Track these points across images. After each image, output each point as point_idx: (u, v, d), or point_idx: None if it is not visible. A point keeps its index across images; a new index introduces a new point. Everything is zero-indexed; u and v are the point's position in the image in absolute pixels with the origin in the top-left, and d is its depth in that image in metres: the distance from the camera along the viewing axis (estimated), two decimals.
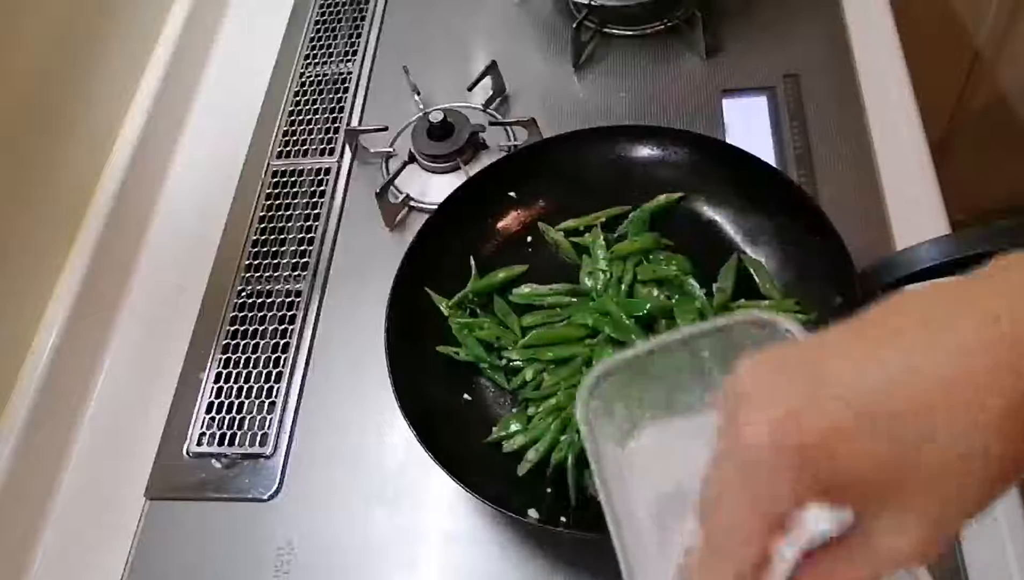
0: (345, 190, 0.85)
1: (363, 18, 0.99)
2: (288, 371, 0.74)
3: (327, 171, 0.87)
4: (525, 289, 0.71)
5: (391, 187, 0.81)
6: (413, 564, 0.64)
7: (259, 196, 0.86)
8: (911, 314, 0.31)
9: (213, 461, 0.70)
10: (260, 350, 0.75)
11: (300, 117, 0.92)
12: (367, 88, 0.93)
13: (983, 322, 0.30)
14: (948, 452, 0.30)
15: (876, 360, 0.30)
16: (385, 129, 0.86)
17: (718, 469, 0.33)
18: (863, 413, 0.30)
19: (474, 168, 0.80)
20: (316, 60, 0.96)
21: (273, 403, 0.72)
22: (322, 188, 0.85)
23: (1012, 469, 0.30)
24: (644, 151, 0.74)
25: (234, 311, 0.78)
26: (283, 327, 0.76)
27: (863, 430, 0.30)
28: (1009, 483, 0.31)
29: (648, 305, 0.67)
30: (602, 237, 0.72)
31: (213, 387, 0.74)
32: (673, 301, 0.67)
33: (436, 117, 0.82)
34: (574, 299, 0.70)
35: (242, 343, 0.76)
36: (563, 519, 0.58)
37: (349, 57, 0.96)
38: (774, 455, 0.30)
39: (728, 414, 0.32)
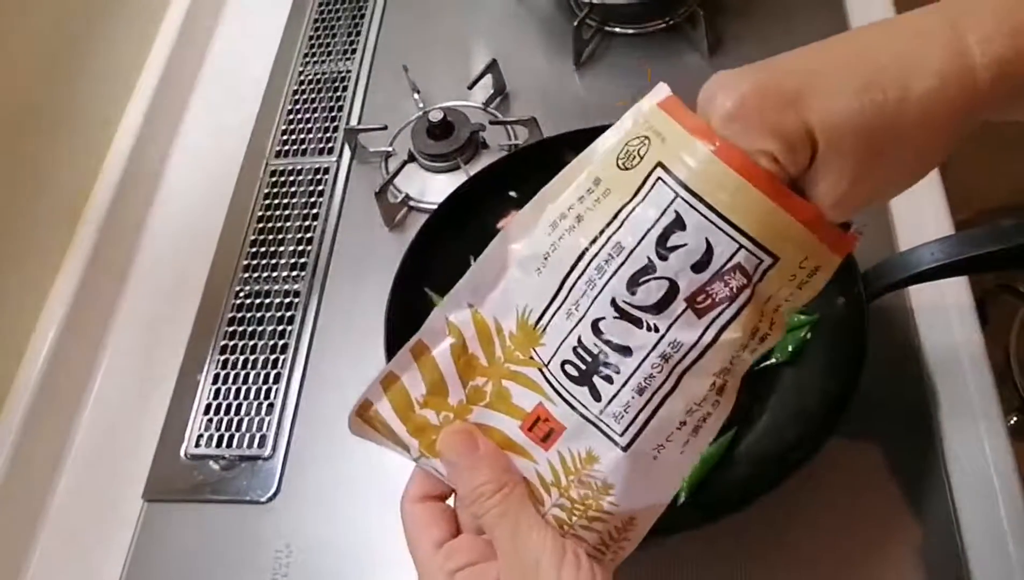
0: (344, 189, 0.85)
1: (363, 16, 0.99)
2: (287, 372, 0.73)
3: (326, 170, 0.86)
4: None
5: (390, 186, 0.81)
6: (411, 565, 0.63)
7: (257, 195, 0.86)
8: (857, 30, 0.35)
9: (211, 463, 0.70)
10: (258, 351, 0.75)
11: (299, 116, 0.91)
12: (366, 87, 0.93)
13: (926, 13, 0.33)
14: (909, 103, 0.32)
15: (833, 50, 0.34)
16: (384, 128, 0.86)
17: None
18: (833, 70, 0.33)
19: (474, 167, 0.79)
20: (315, 58, 0.96)
21: (271, 404, 0.72)
22: (321, 187, 0.85)
23: (940, 145, 0.33)
24: None
25: (232, 312, 0.78)
26: (282, 328, 0.76)
27: (832, 85, 0.32)
28: (933, 163, 0.34)
29: None
30: None
31: (211, 388, 0.74)
32: None
33: (436, 116, 0.81)
34: None
35: (240, 344, 0.76)
36: None
37: (348, 56, 0.95)
38: (754, 98, 0.33)
39: (701, 103, 0.35)
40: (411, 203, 0.82)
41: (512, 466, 0.38)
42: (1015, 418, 1.15)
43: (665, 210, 0.33)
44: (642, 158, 0.34)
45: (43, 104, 0.78)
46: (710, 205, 0.33)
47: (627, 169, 0.35)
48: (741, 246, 0.33)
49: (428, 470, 0.40)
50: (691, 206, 0.33)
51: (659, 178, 0.34)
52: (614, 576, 0.37)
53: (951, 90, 0.32)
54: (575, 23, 0.88)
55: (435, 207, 0.73)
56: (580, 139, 0.74)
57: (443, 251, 0.71)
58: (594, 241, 0.35)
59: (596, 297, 0.35)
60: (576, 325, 0.35)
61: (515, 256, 0.38)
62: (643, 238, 0.34)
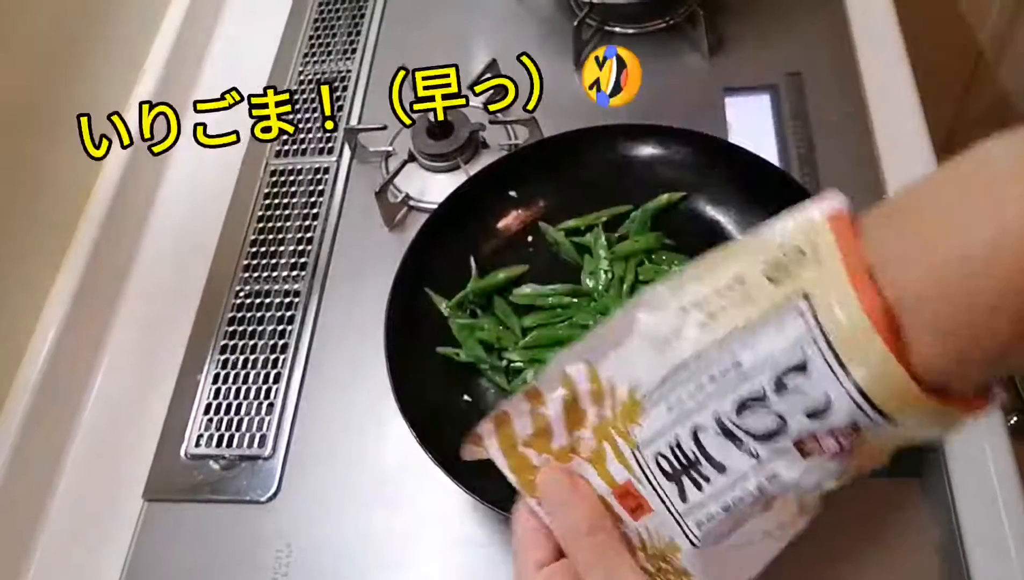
0: (344, 189, 0.85)
1: (362, 16, 0.99)
2: (287, 372, 0.73)
3: (326, 170, 0.86)
4: (526, 289, 0.71)
5: (390, 186, 0.81)
6: (412, 566, 0.64)
7: (257, 195, 0.86)
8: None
9: (211, 462, 0.70)
10: (258, 351, 0.75)
11: (299, 116, 0.91)
12: (366, 87, 0.93)
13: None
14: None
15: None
16: (384, 128, 0.86)
17: None
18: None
19: (474, 167, 0.79)
20: (315, 58, 0.96)
21: (271, 404, 0.72)
22: (321, 187, 0.85)
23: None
24: (646, 150, 0.74)
25: (232, 311, 0.78)
26: (282, 328, 0.76)
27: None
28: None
29: None
30: (603, 237, 0.71)
31: (211, 388, 0.74)
32: None
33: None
34: (575, 299, 0.69)
35: (240, 344, 0.76)
36: None
37: (348, 55, 0.95)
38: None
39: None
40: (411, 203, 0.82)
41: (607, 513, 0.38)
42: (1015, 418, 1.15)
43: (795, 347, 0.31)
44: (790, 276, 0.31)
45: (43, 104, 0.78)
46: (846, 369, 0.30)
47: (771, 281, 0.32)
48: (862, 410, 0.30)
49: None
50: (824, 359, 0.30)
51: (800, 311, 0.31)
52: None
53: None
54: (575, 23, 0.88)
55: (435, 207, 0.73)
56: (580, 139, 0.75)
57: (443, 251, 0.71)
58: (716, 345, 0.33)
59: (703, 404, 0.33)
60: (676, 423, 0.34)
61: (641, 326, 0.36)
62: (764, 366, 0.31)
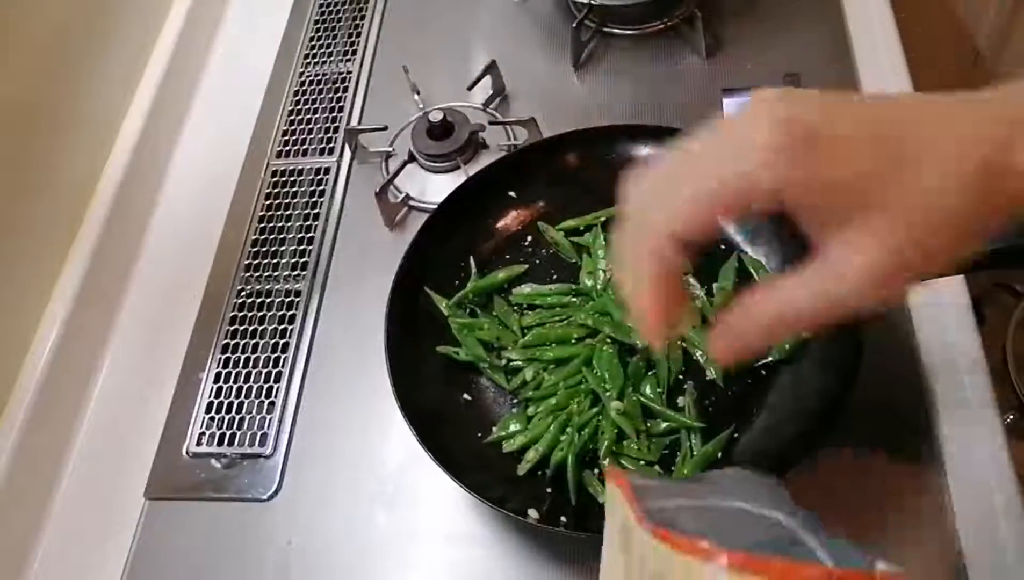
0: (345, 190, 0.85)
1: (363, 17, 0.99)
2: (288, 371, 0.74)
3: (327, 171, 0.87)
4: (525, 289, 0.71)
5: (391, 187, 0.81)
6: (413, 564, 0.64)
7: (259, 196, 0.86)
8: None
9: (213, 461, 0.70)
10: (260, 350, 0.75)
11: (300, 116, 0.92)
12: (367, 87, 0.93)
13: (973, 96, 0.33)
14: (926, 181, 0.31)
15: (868, 106, 0.33)
16: (385, 129, 0.86)
17: (698, 137, 0.34)
18: (853, 120, 0.32)
19: (474, 168, 0.80)
20: (316, 59, 0.96)
21: (273, 403, 0.72)
22: (322, 188, 0.85)
23: (977, 228, 0.32)
24: (644, 150, 0.74)
25: (234, 311, 0.78)
26: (283, 327, 0.76)
27: (849, 134, 0.31)
28: (970, 244, 0.32)
29: None
30: (602, 237, 0.71)
31: (213, 387, 0.74)
32: None
33: (436, 116, 0.82)
34: (574, 299, 0.70)
35: (242, 343, 0.76)
36: (563, 519, 0.58)
37: (349, 56, 0.96)
38: (764, 130, 0.31)
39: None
40: (411, 203, 0.82)
41: None
42: (1012, 417, 1.15)
43: None
44: None
45: (46, 104, 0.78)
46: None
47: None
48: None
49: None
50: None
51: None
52: None
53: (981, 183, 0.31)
54: (574, 24, 0.88)
55: (435, 207, 0.73)
56: (580, 139, 0.75)
57: (443, 251, 0.72)
58: None
59: None
60: None
61: None
62: None
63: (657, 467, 0.61)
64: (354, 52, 0.96)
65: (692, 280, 0.68)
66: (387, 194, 0.80)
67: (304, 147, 0.89)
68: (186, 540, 0.67)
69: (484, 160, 0.82)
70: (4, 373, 0.71)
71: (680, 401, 0.63)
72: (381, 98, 0.92)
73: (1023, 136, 0.31)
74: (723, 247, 0.70)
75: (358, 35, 0.97)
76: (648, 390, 0.64)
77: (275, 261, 0.81)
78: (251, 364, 0.75)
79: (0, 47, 0.73)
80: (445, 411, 0.65)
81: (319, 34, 0.99)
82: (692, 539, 0.31)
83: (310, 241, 0.82)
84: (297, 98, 0.93)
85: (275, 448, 0.70)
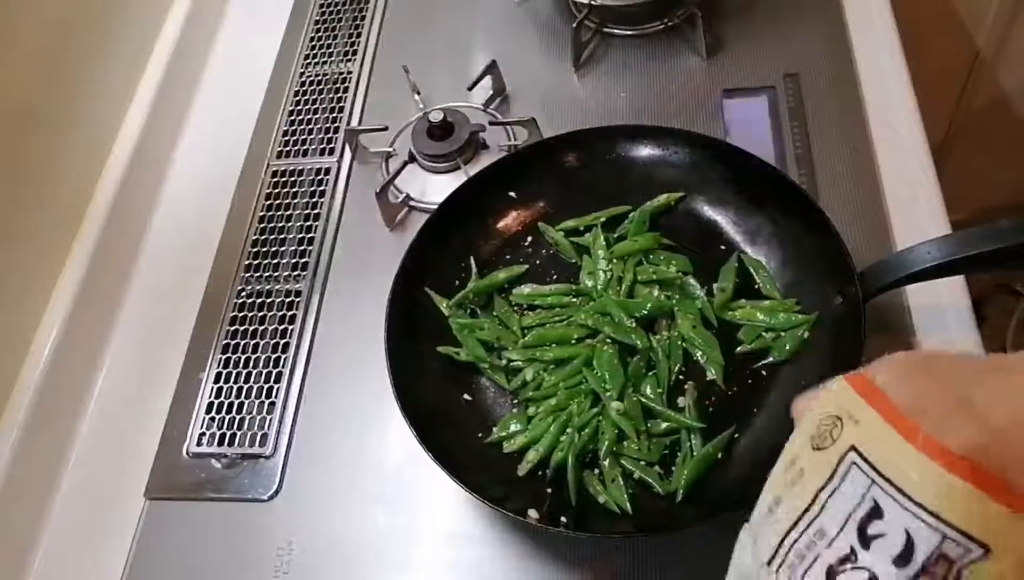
0: (345, 190, 0.85)
1: (363, 18, 0.99)
2: (288, 371, 0.74)
3: (327, 171, 0.87)
4: (525, 289, 0.71)
5: (391, 187, 0.81)
6: (413, 564, 0.64)
7: (259, 196, 0.86)
8: None
9: (213, 461, 0.70)
10: (260, 350, 0.75)
11: (300, 117, 0.92)
12: (367, 88, 0.93)
13: None
14: None
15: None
16: (385, 129, 0.86)
17: None
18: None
19: (474, 168, 0.80)
20: (316, 60, 0.96)
21: (273, 403, 0.72)
22: (322, 188, 0.85)
23: None
24: (644, 151, 0.74)
25: (234, 311, 0.78)
26: (283, 327, 0.76)
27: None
28: None
29: (648, 305, 0.67)
30: (602, 237, 0.71)
31: (213, 387, 0.74)
32: (673, 301, 0.68)
33: (436, 117, 0.82)
34: (574, 299, 0.70)
35: (242, 343, 0.76)
36: (563, 519, 0.58)
37: (349, 57, 0.96)
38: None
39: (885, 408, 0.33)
40: (411, 203, 0.82)
41: None
42: None
43: (864, 497, 0.32)
44: (835, 440, 0.34)
45: (47, 105, 0.78)
46: (906, 494, 0.31)
47: (819, 450, 0.34)
48: (945, 536, 0.30)
49: None
50: (888, 495, 0.31)
51: (853, 463, 0.33)
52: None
53: None
54: (574, 24, 0.88)
55: (435, 207, 0.73)
56: (580, 140, 0.76)
57: (443, 251, 0.72)
58: (794, 525, 0.34)
59: None
60: None
61: (745, 531, 0.37)
62: (844, 525, 0.32)
63: (657, 467, 0.61)
64: (354, 52, 0.96)
65: (692, 281, 0.68)
66: (387, 194, 0.80)
67: (304, 147, 0.89)
68: (186, 540, 0.67)
69: (484, 160, 0.82)
70: (4, 373, 0.71)
71: (680, 401, 0.63)
72: (381, 98, 0.92)
73: None
74: (723, 247, 0.71)
75: (358, 35, 0.98)
76: (648, 390, 0.64)
77: (275, 261, 0.81)
78: (251, 364, 0.75)
79: (0, 47, 0.73)
80: (445, 411, 0.65)
81: (319, 34, 0.99)
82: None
83: (310, 241, 0.82)
84: (297, 98, 0.93)
85: (275, 448, 0.70)
